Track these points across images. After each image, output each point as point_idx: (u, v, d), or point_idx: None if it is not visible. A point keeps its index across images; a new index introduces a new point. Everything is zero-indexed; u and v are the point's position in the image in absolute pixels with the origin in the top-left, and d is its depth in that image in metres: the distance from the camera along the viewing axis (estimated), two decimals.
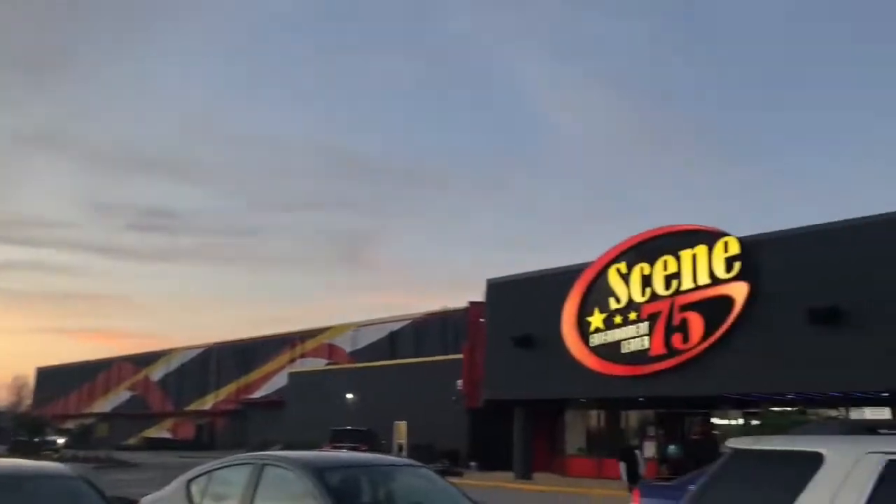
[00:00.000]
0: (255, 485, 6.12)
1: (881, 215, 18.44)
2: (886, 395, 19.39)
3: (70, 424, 62.93)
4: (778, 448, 3.78)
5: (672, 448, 23.58)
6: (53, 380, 77.83)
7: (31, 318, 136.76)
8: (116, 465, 31.70)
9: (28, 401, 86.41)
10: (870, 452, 3.38)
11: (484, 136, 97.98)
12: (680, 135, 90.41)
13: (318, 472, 5.79)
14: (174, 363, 64.81)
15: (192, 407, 61.32)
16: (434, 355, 40.81)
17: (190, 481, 6.80)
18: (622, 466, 20.16)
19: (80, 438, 42.65)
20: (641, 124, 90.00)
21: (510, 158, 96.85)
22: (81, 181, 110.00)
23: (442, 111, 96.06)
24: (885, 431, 3.65)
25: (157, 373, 66.18)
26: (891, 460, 3.30)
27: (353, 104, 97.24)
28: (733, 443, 4.01)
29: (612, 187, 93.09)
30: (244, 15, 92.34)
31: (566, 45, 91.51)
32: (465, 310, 35.36)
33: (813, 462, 3.52)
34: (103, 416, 67.90)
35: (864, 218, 18.79)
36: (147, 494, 7.36)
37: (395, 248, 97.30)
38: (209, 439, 57.83)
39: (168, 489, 7.04)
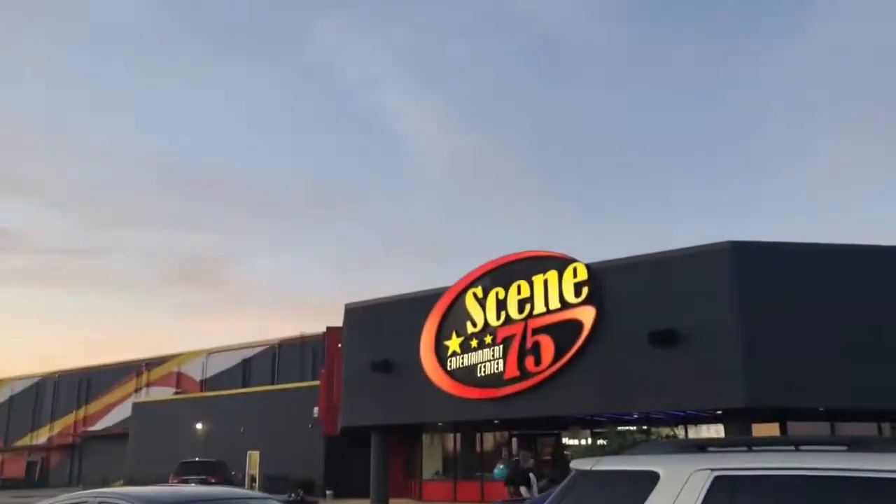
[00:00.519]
0: None
1: (712, 244, 19.86)
2: (720, 413, 20.77)
3: None
4: (616, 468, 3.91)
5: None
6: None
7: None
8: None
9: None
10: (699, 469, 3.56)
11: (341, 158, 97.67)
12: (534, 163, 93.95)
13: None
14: (2, 395, 59.76)
15: (22, 442, 56.62)
16: (291, 382, 39.91)
17: None
18: (523, 490, 20.35)
19: None
20: (498, 151, 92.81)
21: (369, 182, 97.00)
22: None
23: (300, 130, 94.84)
24: (714, 449, 3.84)
25: None
26: (717, 476, 3.49)
27: (204, 120, 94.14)
28: (576, 464, 4.11)
29: (469, 213, 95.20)
30: (88, 20, 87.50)
31: (427, 70, 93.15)
32: (323, 335, 34.86)
33: (649, 480, 3.66)
34: None
35: (697, 247, 20.18)
36: None
37: (249, 271, 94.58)
38: (41, 477, 53.52)
39: None
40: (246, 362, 47.56)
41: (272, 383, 42.55)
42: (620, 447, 16.97)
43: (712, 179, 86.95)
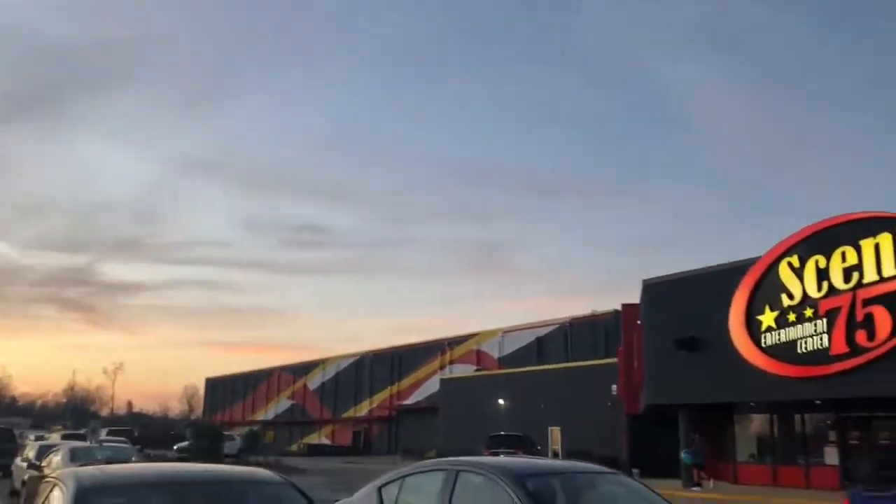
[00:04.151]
0: (450, 492, 5.95)
1: None
2: None
3: (236, 431, 66.73)
4: None
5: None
6: (221, 389, 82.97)
7: (199, 332, 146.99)
8: (285, 471, 33.01)
9: (198, 409, 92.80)
10: None
11: (623, 139, 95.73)
12: (843, 123, 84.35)
13: (519, 479, 5.53)
14: (329, 371, 67.27)
15: (348, 414, 63.31)
16: (582, 360, 40.03)
17: (381, 487, 6.74)
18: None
19: (249, 445, 45.07)
20: (787, 120, 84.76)
21: (651, 160, 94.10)
22: (237, 203, 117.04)
23: (576, 117, 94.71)
24: None
25: (314, 381, 68.92)
26: None
27: (486, 117, 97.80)
28: None
29: (756, 186, 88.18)
30: (380, 39, 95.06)
31: (704, 44, 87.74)
32: (615, 313, 34.42)
33: None
34: (267, 424, 71.36)
35: None
36: (336, 499, 7.39)
37: (535, 255, 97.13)
38: (365, 445, 59.45)
39: (359, 495, 7.01)
40: (539, 340, 48.70)
41: (565, 360, 43.01)
42: None
43: None
